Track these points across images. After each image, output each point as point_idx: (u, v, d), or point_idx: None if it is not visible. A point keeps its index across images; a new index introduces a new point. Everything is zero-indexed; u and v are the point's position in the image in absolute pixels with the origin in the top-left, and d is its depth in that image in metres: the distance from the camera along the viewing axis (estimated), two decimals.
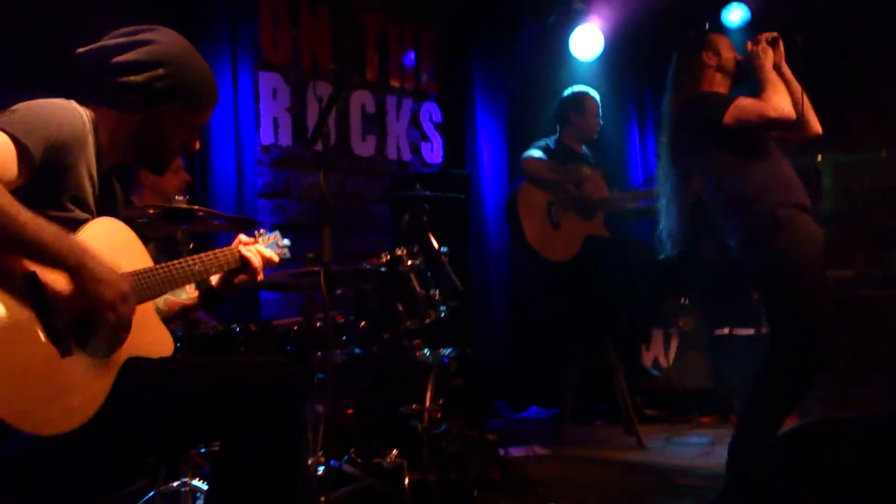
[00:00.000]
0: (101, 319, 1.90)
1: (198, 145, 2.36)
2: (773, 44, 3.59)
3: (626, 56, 6.78)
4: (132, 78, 2.13)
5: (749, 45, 3.63)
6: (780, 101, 3.43)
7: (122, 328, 1.95)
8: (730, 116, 3.46)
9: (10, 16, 4.01)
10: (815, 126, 3.64)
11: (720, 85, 3.69)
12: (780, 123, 3.45)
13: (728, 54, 3.72)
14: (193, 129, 2.30)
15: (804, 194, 3.53)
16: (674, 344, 5.77)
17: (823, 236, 3.51)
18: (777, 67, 3.58)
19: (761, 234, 3.44)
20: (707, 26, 3.90)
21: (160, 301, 2.39)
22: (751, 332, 5.56)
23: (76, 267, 1.87)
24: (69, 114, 2.04)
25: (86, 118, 2.09)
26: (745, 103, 3.47)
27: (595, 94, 5.34)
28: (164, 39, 2.20)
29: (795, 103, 3.50)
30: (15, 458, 1.86)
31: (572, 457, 4.66)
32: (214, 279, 2.52)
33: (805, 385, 3.49)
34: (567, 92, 5.37)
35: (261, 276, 2.54)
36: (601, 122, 5.35)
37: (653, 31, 6.55)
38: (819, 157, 5.55)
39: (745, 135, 3.49)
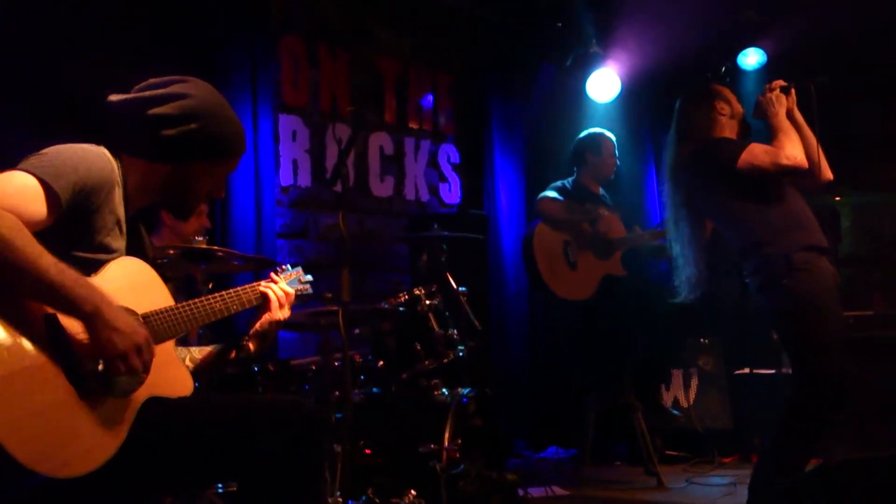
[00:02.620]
0: (113, 368, 1.91)
1: (223, 193, 2.39)
2: (785, 91, 3.62)
3: (642, 99, 6.83)
4: (166, 131, 2.16)
5: (762, 94, 3.66)
6: (792, 149, 3.47)
7: (134, 377, 1.95)
8: (743, 162, 3.50)
9: (34, 63, 4.08)
10: (827, 173, 3.63)
11: (732, 132, 3.74)
12: (792, 171, 3.48)
13: (736, 105, 3.78)
14: (220, 179, 2.34)
15: (820, 235, 3.53)
16: (694, 384, 5.73)
17: (839, 276, 3.51)
18: (789, 114, 3.60)
19: (776, 276, 3.45)
20: (713, 75, 3.93)
21: (187, 359, 2.41)
22: (771, 371, 5.52)
23: (92, 315, 1.88)
24: (97, 158, 2.07)
25: (114, 163, 2.12)
26: (758, 150, 3.51)
27: (611, 135, 5.38)
28: (198, 93, 2.23)
29: (808, 150, 3.53)
30: (33, 500, 1.85)
31: (592, 497, 4.62)
32: (252, 345, 2.52)
33: (825, 424, 3.47)
34: (584, 133, 5.42)
35: (286, 314, 2.55)
36: (618, 162, 5.38)
37: (669, 75, 6.59)
38: (838, 198, 5.56)
39: (757, 179, 3.52)
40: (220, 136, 2.25)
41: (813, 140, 3.59)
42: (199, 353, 2.45)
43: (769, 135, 3.57)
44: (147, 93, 2.20)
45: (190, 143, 2.19)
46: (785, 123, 3.55)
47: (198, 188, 2.28)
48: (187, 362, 2.42)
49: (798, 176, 3.55)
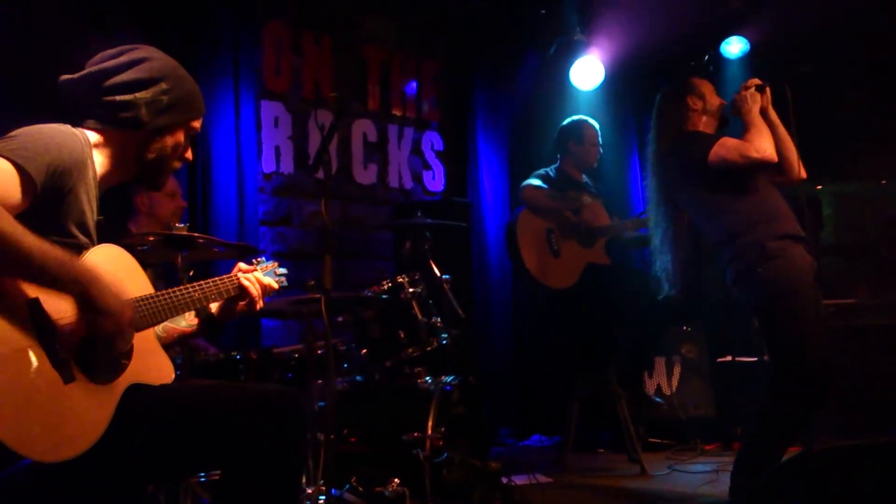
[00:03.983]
0: (102, 347, 1.89)
1: (191, 154, 2.39)
2: (760, 90, 3.66)
3: (626, 86, 6.83)
4: (139, 95, 2.16)
5: (738, 92, 3.71)
6: (762, 142, 3.51)
7: (123, 357, 1.95)
8: (714, 155, 3.55)
9: (8, 42, 4.03)
10: (800, 171, 3.67)
11: (706, 127, 3.79)
12: (762, 165, 3.52)
13: (712, 98, 3.82)
14: (189, 139, 2.35)
15: (795, 225, 3.58)
16: (676, 371, 5.75)
17: (815, 265, 3.54)
18: (764, 113, 3.65)
19: (750, 266, 3.49)
20: (695, 64, 3.97)
21: (159, 328, 2.39)
22: (753, 359, 5.55)
23: (81, 293, 1.87)
24: (69, 138, 2.05)
25: (84, 142, 2.10)
26: (729, 143, 3.56)
27: (594, 122, 5.37)
28: (155, 56, 2.25)
29: (782, 148, 3.57)
30: (16, 484, 1.85)
31: (575, 485, 4.63)
32: (214, 307, 2.52)
33: (808, 412, 3.50)
34: (566, 121, 5.41)
35: (260, 304, 2.55)
36: (601, 150, 5.38)
37: (653, 63, 6.59)
38: (819, 187, 5.58)
39: (729, 172, 3.56)
40: (189, 92, 2.29)
41: (787, 138, 3.65)
42: (163, 330, 2.44)
43: (742, 131, 3.61)
44: (106, 64, 2.18)
45: (164, 102, 2.20)
46: (757, 119, 3.60)
47: (172, 150, 2.29)
48: (159, 331, 2.41)
49: (768, 170, 3.60)
